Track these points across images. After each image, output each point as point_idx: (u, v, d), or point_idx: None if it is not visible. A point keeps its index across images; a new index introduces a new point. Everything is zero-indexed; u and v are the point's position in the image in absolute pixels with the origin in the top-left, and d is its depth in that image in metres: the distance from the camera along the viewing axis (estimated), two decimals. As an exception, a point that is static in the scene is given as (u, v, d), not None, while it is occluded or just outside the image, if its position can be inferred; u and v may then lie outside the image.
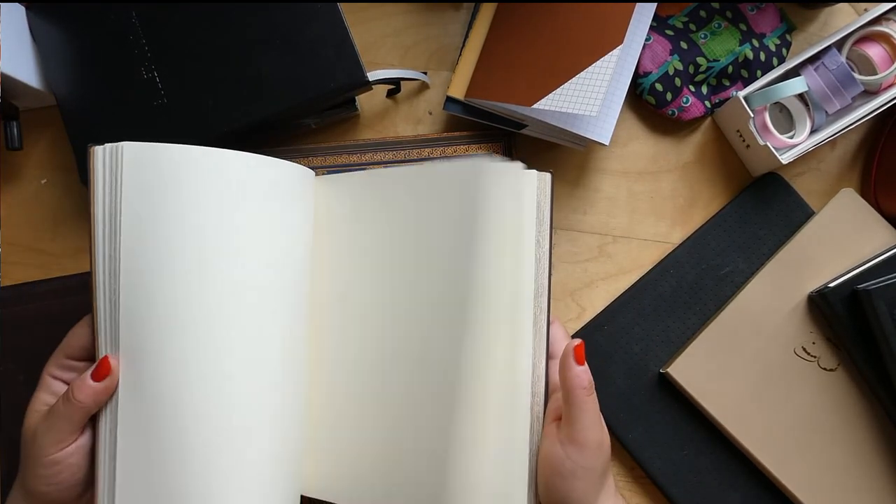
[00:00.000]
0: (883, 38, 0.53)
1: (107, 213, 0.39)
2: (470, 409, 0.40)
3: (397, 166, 0.49)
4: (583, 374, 0.40)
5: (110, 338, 0.39)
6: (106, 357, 0.39)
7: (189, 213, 0.40)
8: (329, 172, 0.55)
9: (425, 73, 0.57)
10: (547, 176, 0.44)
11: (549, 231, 0.44)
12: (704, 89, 0.57)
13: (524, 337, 0.42)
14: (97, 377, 0.38)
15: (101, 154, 0.39)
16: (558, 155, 0.58)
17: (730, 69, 0.56)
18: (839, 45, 0.54)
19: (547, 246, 0.43)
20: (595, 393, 0.40)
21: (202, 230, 0.40)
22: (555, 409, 0.42)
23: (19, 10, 0.54)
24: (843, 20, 0.59)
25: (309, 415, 0.45)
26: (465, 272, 0.41)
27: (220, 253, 0.41)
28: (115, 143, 0.39)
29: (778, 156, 0.52)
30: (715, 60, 0.56)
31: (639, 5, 0.52)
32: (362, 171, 0.47)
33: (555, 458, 0.39)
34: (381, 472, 0.42)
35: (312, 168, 0.55)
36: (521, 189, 0.43)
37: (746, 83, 0.57)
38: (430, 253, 0.43)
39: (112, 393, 0.39)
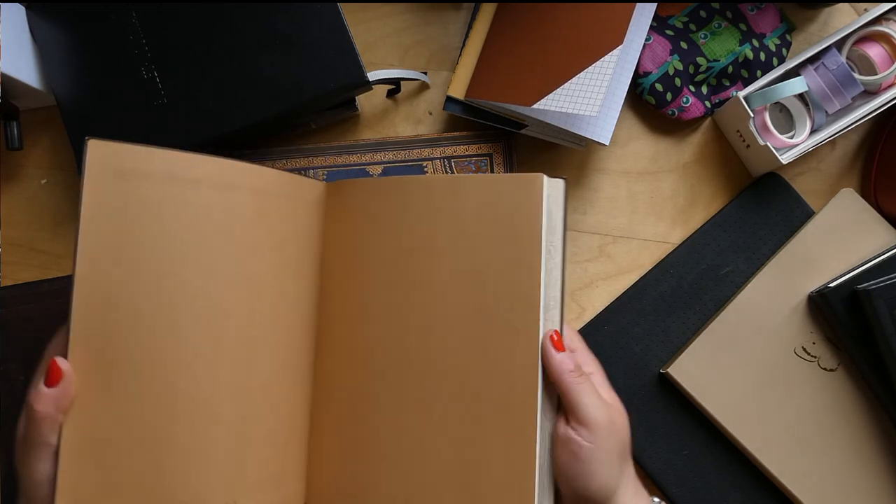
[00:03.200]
0: (883, 38, 0.53)
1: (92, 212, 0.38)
2: (474, 419, 0.41)
3: (412, 175, 0.49)
4: (565, 358, 0.40)
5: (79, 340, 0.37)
6: (53, 360, 0.37)
7: (162, 216, 0.39)
8: (329, 172, 0.55)
9: (425, 73, 0.57)
10: (559, 182, 0.42)
11: (561, 241, 0.42)
12: (704, 89, 0.57)
13: (532, 351, 0.41)
14: (50, 382, 0.36)
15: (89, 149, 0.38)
16: (558, 155, 0.58)
17: (730, 69, 0.56)
18: (839, 45, 0.54)
19: (559, 257, 0.42)
20: (587, 376, 0.41)
21: (178, 236, 0.39)
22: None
23: (19, 10, 0.54)
24: (843, 20, 0.59)
25: (318, 422, 0.45)
26: (473, 281, 0.42)
27: (196, 264, 0.39)
28: (91, 139, 0.38)
29: (778, 156, 0.52)
30: (715, 60, 0.56)
31: (639, 5, 0.52)
32: (378, 178, 0.47)
33: (572, 443, 0.39)
34: (392, 483, 0.42)
35: (312, 168, 0.55)
36: (529, 196, 0.42)
37: (746, 83, 0.57)
38: (444, 261, 0.43)
39: (71, 397, 0.37)
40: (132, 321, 0.38)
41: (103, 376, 0.37)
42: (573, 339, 0.44)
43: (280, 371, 0.44)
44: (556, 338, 0.41)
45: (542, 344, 0.41)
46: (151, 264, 0.39)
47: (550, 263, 0.42)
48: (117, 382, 0.37)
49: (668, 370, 0.53)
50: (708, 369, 0.53)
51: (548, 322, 0.41)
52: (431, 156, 0.55)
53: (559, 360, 0.40)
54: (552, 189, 0.42)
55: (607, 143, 0.51)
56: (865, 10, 0.58)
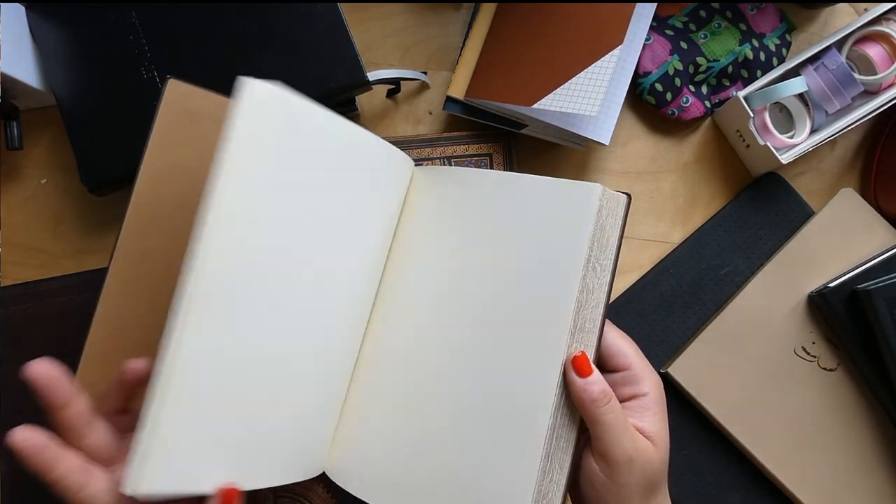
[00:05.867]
0: (883, 38, 0.53)
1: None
2: (484, 426, 0.39)
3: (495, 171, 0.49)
4: (590, 385, 0.37)
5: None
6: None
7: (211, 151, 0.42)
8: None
9: (425, 73, 0.57)
10: (621, 197, 0.39)
11: (612, 260, 0.39)
12: (704, 89, 0.57)
13: (551, 371, 0.38)
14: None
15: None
16: (558, 155, 0.58)
17: (730, 69, 0.56)
18: (839, 45, 0.54)
19: (607, 278, 0.38)
20: (615, 402, 0.37)
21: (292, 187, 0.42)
22: None
23: (19, 10, 0.54)
24: (843, 20, 0.59)
25: (347, 400, 0.45)
26: (513, 287, 0.40)
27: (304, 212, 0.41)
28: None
29: (778, 156, 0.52)
30: (715, 60, 0.56)
31: (639, 5, 0.52)
32: (464, 169, 0.46)
33: (589, 470, 0.38)
34: (407, 476, 0.41)
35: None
36: (579, 206, 0.39)
37: (746, 83, 0.57)
38: (498, 262, 0.41)
39: None
40: (170, 231, 0.45)
41: (135, 270, 0.45)
42: (627, 353, 0.40)
43: (314, 331, 0.43)
44: (580, 360, 0.37)
45: (563, 366, 0.38)
46: (195, 188, 0.43)
47: (594, 282, 0.39)
48: (146, 274, 0.45)
49: (668, 370, 0.53)
50: (708, 369, 0.53)
51: (577, 345, 0.38)
52: (431, 155, 0.55)
53: (580, 386, 0.37)
54: (610, 202, 0.39)
55: (607, 143, 0.51)
56: (865, 10, 0.58)
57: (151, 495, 0.34)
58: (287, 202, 0.38)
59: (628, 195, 0.40)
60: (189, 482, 0.36)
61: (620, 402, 0.40)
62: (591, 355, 0.39)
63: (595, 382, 0.37)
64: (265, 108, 0.36)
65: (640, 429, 0.39)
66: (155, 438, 0.34)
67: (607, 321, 0.40)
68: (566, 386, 0.38)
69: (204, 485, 0.36)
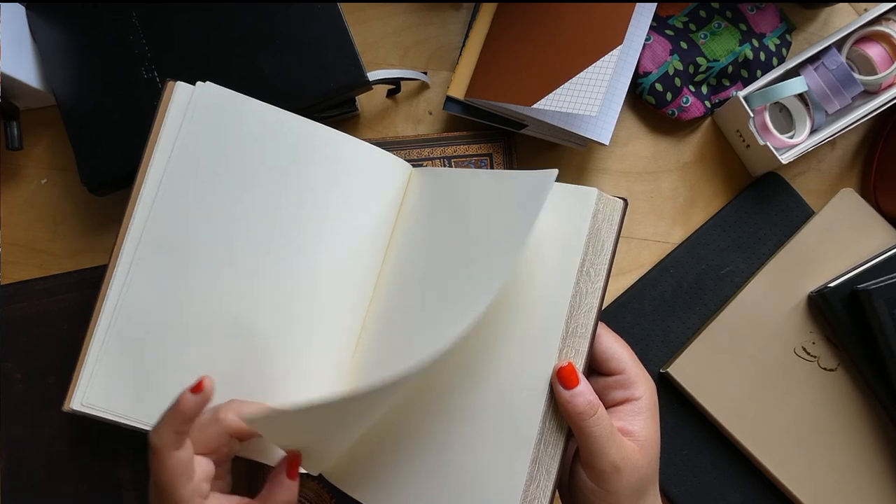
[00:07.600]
0: (883, 38, 0.53)
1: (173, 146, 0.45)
2: (471, 425, 0.39)
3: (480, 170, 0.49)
4: (575, 397, 0.37)
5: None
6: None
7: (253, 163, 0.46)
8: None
9: (425, 73, 0.57)
10: (616, 202, 0.39)
11: (605, 265, 0.39)
12: (704, 89, 0.57)
13: (541, 374, 0.38)
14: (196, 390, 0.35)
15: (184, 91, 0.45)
16: (558, 155, 0.58)
17: (730, 69, 0.56)
18: (839, 45, 0.54)
19: (600, 283, 0.39)
20: (601, 413, 0.37)
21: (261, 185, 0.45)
22: None
23: (19, 10, 0.54)
24: (843, 20, 0.59)
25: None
26: (504, 290, 0.40)
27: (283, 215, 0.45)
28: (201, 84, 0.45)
29: (778, 156, 0.52)
30: (715, 60, 0.56)
31: (639, 5, 0.52)
32: (452, 169, 0.47)
33: (578, 478, 0.39)
34: (398, 476, 0.41)
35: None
36: (574, 209, 0.39)
37: (746, 83, 0.57)
38: (477, 255, 0.41)
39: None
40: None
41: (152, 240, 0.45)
42: (622, 358, 0.40)
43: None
44: (566, 371, 0.37)
45: (551, 379, 0.38)
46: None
47: (588, 286, 0.39)
48: (149, 233, 0.45)
49: (668, 370, 0.53)
50: (708, 369, 0.53)
51: (568, 350, 0.39)
52: (431, 155, 0.55)
53: (566, 398, 0.37)
54: (606, 206, 0.40)
55: (607, 143, 0.51)
56: (865, 10, 0.58)
57: (95, 412, 0.42)
58: (220, 181, 0.45)
59: (625, 200, 0.40)
60: (132, 411, 0.42)
61: (613, 405, 0.40)
62: (583, 360, 0.39)
63: (580, 394, 0.37)
64: (196, 109, 0.45)
65: (630, 432, 0.39)
66: (102, 363, 0.42)
67: (602, 325, 0.40)
68: (555, 396, 0.38)
69: (146, 416, 0.42)
